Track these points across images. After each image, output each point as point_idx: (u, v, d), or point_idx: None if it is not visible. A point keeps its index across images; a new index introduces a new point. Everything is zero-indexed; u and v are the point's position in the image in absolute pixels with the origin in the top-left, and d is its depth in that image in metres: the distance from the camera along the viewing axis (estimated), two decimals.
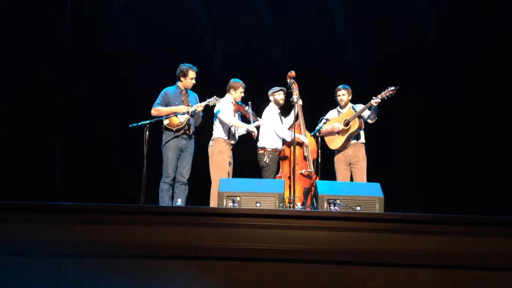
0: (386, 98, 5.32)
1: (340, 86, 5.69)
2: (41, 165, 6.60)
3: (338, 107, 5.74)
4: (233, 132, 5.61)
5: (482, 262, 3.29)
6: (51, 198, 5.82)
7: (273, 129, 5.62)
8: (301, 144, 5.57)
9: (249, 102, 5.70)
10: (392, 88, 5.30)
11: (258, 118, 5.73)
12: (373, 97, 5.34)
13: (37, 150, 6.60)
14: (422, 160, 6.74)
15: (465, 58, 6.78)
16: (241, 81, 5.65)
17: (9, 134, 6.54)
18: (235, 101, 5.64)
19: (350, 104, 5.67)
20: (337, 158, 5.59)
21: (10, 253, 3.28)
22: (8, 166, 6.48)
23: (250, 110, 5.65)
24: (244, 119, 5.79)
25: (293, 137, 5.34)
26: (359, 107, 5.55)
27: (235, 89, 5.61)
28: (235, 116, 5.64)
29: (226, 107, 5.54)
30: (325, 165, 5.47)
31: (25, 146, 6.55)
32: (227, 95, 5.66)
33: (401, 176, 6.55)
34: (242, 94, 5.64)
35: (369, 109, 5.42)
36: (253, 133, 5.57)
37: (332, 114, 5.73)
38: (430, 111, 6.78)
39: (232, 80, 5.67)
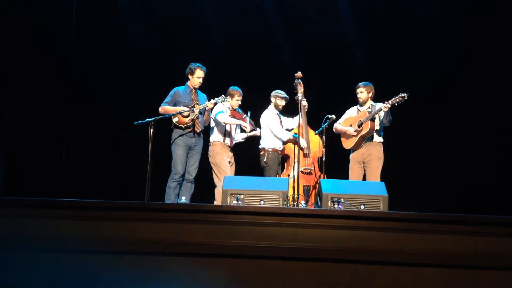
0: (396, 104, 5.28)
1: (360, 84, 5.63)
2: (47, 163, 6.63)
3: (358, 105, 5.68)
4: (229, 131, 5.69)
5: (486, 261, 3.28)
6: (57, 195, 5.85)
7: (270, 129, 5.73)
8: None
9: (249, 112, 5.77)
10: (403, 94, 5.25)
11: (256, 128, 5.81)
12: (385, 102, 5.32)
13: (43, 148, 6.62)
14: (427, 159, 6.72)
15: (472, 56, 6.76)
16: (239, 89, 5.76)
17: (16, 133, 6.57)
18: (232, 108, 5.74)
19: (369, 102, 5.59)
20: (352, 156, 5.55)
21: (18, 249, 3.30)
22: (15, 165, 6.51)
23: (248, 119, 5.71)
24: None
25: (290, 137, 5.62)
26: (378, 106, 5.50)
27: (232, 96, 5.72)
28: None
29: (221, 109, 5.64)
30: (332, 164, 5.46)
31: (31, 144, 6.57)
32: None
33: (406, 175, 6.53)
34: (239, 102, 5.76)
35: (381, 111, 5.38)
36: (246, 128, 5.66)
37: (351, 111, 5.69)
38: (434, 110, 6.75)
39: (230, 87, 5.78)
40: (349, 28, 7.06)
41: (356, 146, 5.51)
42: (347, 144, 5.59)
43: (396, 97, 5.29)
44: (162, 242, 3.32)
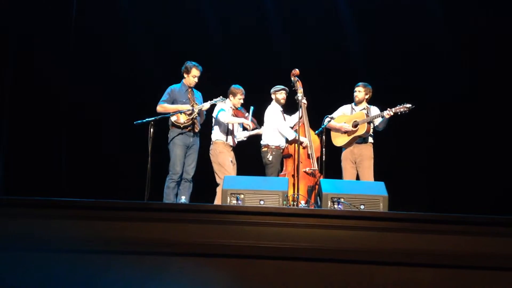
0: (399, 113, 5.27)
1: (360, 83, 5.62)
2: (46, 163, 6.63)
3: (353, 104, 5.67)
4: (232, 130, 5.66)
5: (486, 261, 3.28)
6: (57, 195, 5.84)
7: (277, 127, 5.65)
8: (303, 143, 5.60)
9: (251, 107, 5.73)
10: (408, 105, 5.22)
11: (259, 126, 5.78)
12: (388, 109, 5.30)
13: (43, 148, 6.62)
14: (427, 159, 6.73)
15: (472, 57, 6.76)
16: (241, 88, 5.72)
17: (15, 133, 6.57)
18: (234, 107, 5.71)
19: (365, 104, 5.59)
20: (344, 156, 5.56)
21: (17, 249, 3.30)
22: (15, 165, 6.51)
23: (250, 117, 5.67)
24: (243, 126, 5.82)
25: (295, 136, 5.45)
26: (373, 110, 5.49)
27: (234, 95, 5.69)
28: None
29: (223, 107, 5.61)
30: (330, 164, 5.46)
31: (31, 144, 6.57)
32: (227, 99, 5.71)
33: (405, 174, 6.53)
34: (241, 101, 5.72)
35: (381, 117, 5.39)
36: (248, 127, 5.62)
37: (345, 109, 5.67)
38: (434, 111, 6.76)
39: (232, 86, 5.74)
40: (350, 27, 7.06)
41: (347, 145, 5.51)
42: (337, 141, 5.58)
43: (401, 106, 5.25)
44: (162, 242, 3.31)
